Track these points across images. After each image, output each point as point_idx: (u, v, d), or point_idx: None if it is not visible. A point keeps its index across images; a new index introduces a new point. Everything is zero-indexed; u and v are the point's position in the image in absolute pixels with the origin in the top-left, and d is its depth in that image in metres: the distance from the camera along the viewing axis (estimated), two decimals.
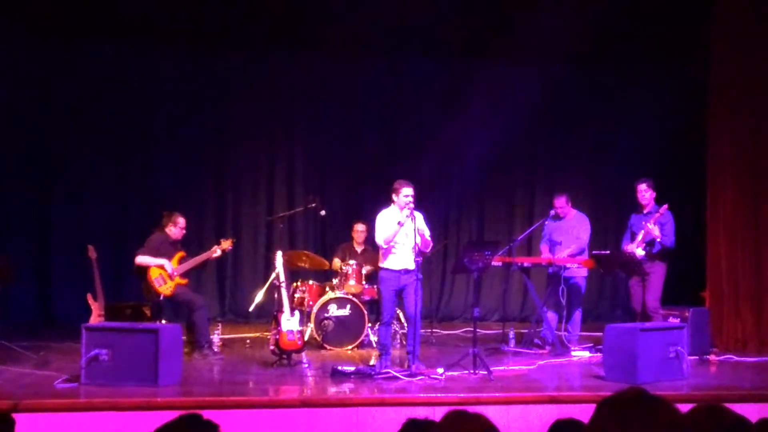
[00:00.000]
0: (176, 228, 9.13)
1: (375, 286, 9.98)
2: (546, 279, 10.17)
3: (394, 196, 8.03)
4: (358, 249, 10.59)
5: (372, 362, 8.34)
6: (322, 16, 11.04)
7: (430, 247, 8.15)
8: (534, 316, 10.20)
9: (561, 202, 9.83)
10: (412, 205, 7.87)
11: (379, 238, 8.06)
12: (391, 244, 7.97)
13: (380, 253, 8.16)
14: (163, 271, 8.85)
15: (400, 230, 7.91)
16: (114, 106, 11.90)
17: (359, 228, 10.68)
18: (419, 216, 8.00)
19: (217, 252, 9.18)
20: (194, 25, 11.30)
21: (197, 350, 8.64)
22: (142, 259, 8.89)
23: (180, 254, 9.08)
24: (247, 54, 12.13)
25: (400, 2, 10.88)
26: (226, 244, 9.29)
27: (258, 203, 12.52)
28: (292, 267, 10.13)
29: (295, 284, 9.91)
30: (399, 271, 7.91)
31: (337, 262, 10.26)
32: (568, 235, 9.69)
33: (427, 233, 8.04)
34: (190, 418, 2.60)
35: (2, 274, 9.10)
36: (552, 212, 9.88)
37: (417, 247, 7.73)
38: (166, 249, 9.00)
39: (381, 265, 8.14)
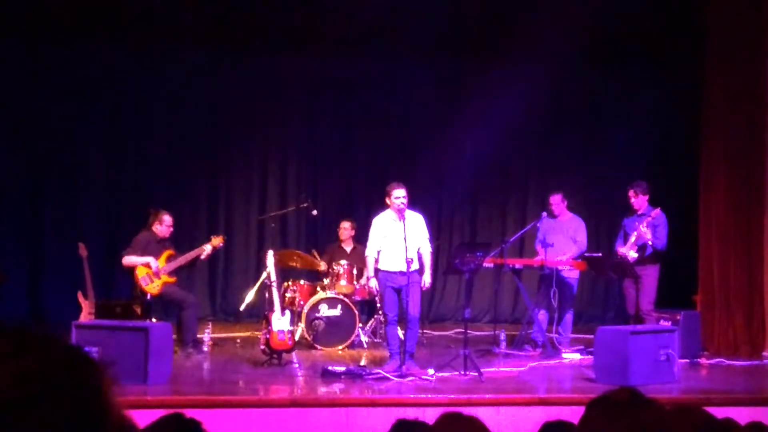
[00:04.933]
0: (162, 226, 9.08)
1: (367, 287, 10.00)
2: (537, 280, 10.16)
3: (387, 200, 8.04)
4: (347, 248, 10.55)
5: (362, 362, 8.33)
6: (318, 16, 11.03)
7: (429, 252, 8.23)
8: (525, 317, 10.19)
9: (556, 199, 9.82)
10: (403, 206, 7.89)
11: (368, 250, 8.22)
12: (381, 248, 8.05)
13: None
14: (149, 270, 8.81)
15: (392, 232, 7.94)
16: (107, 103, 11.86)
17: (345, 225, 10.65)
18: (417, 218, 8.05)
19: (206, 251, 9.15)
20: (188, 25, 11.27)
21: (182, 349, 8.61)
22: (128, 260, 8.86)
23: (168, 252, 9.04)
24: (241, 54, 12.09)
25: (397, 3, 10.88)
26: (217, 240, 9.27)
27: (250, 202, 12.49)
28: (283, 266, 10.11)
29: (286, 284, 9.89)
30: (394, 272, 7.93)
31: (323, 265, 10.21)
32: (561, 237, 9.68)
33: (425, 236, 8.11)
34: (173, 418, 2.59)
35: None
36: (544, 213, 9.85)
37: (407, 251, 7.71)
38: (153, 248, 8.95)
39: (378, 266, 8.18)
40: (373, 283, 8.33)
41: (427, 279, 8.10)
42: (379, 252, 8.16)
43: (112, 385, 1.04)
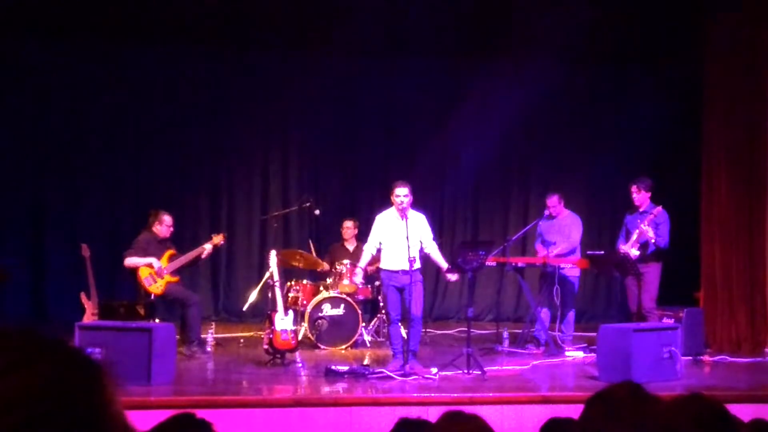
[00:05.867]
0: (162, 226, 9.09)
1: (370, 286, 10.01)
2: (539, 279, 10.15)
3: (391, 198, 8.05)
4: (350, 247, 10.56)
5: (366, 362, 8.33)
6: (319, 15, 11.04)
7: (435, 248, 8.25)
8: (528, 316, 10.20)
9: (553, 200, 9.82)
10: (404, 205, 7.89)
11: (367, 245, 8.30)
12: (383, 246, 8.06)
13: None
14: (152, 270, 8.82)
15: (394, 230, 7.95)
16: (108, 104, 11.86)
17: (347, 225, 10.66)
18: (419, 217, 8.07)
19: (207, 249, 9.16)
20: (189, 24, 11.27)
21: (187, 347, 8.62)
22: (130, 260, 8.87)
23: (170, 252, 9.05)
24: (242, 52, 12.10)
25: (397, 2, 10.89)
26: (218, 238, 9.29)
27: (252, 202, 12.49)
28: (286, 266, 10.12)
29: (289, 283, 9.90)
30: (397, 271, 7.93)
31: (326, 266, 10.21)
32: (560, 235, 9.69)
33: (429, 235, 8.20)
34: (184, 418, 2.59)
35: None
36: (546, 212, 9.88)
37: (410, 250, 7.72)
38: (154, 248, 8.96)
39: (380, 265, 8.19)
40: (358, 279, 8.36)
41: (445, 264, 8.15)
42: (379, 250, 8.18)
43: (118, 390, 1.03)
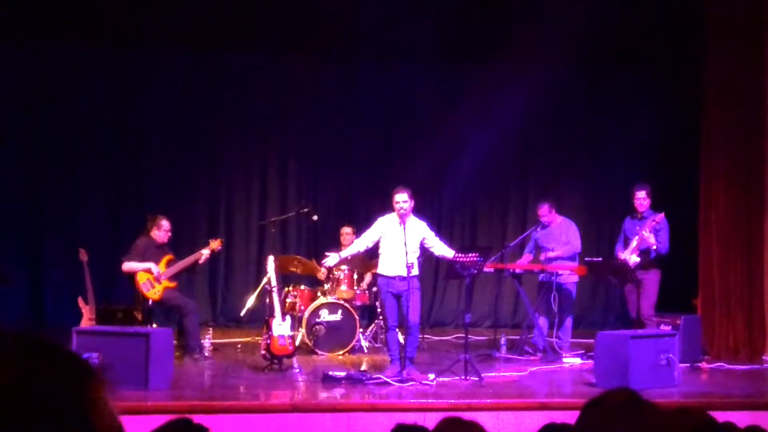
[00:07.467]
0: (161, 231, 9.08)
1: (368, 292, 10.01)
2: (536, 285, 10.14)
3: (393, 203, 8.03)
4: None
5: (363, 367, 8.33)
6: (318, 19, 11.05)
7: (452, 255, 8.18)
8: (526, 322, 10.19)
9: (543, 210, 9.80)
10: (403, 211, 7.87)
11: (358, 238, 8.35)
12: (381, 252, 8.04)
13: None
14: (150, 276, 8.82)
15: (393, 235, 7.93)
16: (107, 107, 11.86)
17: (345, 231, 10.67)
18: (420, 224, 8.05)
19: (204, 254, 9.16)
20: (188, 27, 11.29)
21: (188, 354, 8.63)
22: (128, 266, 8.86)
23: (168, 257, 9.05)
24: (241, 56, 12.10)
25: (396, 6, 10.91)
26: (215, 243, 9.28)
27: (250, 207, 12.49)
28: (283, 272, 10.11)
29: (286, 289, 9.89)
30: (393, 278, 7.92)
31: (324, 272, 10.19)
32: (557, 242, 9.68)
33: (431, 234, 8.16)
34: (181, 423, 2.59)
35: None
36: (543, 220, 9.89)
37: (408, 256, 7.71)
38: (152, 253, 8.95)
39: (377, 271, 8.19)
40: (329, 261, 8.36)
41: (452, 252, 8.11)
42: (369, 251, 8.19)
43: (110, 393, 1.03)
